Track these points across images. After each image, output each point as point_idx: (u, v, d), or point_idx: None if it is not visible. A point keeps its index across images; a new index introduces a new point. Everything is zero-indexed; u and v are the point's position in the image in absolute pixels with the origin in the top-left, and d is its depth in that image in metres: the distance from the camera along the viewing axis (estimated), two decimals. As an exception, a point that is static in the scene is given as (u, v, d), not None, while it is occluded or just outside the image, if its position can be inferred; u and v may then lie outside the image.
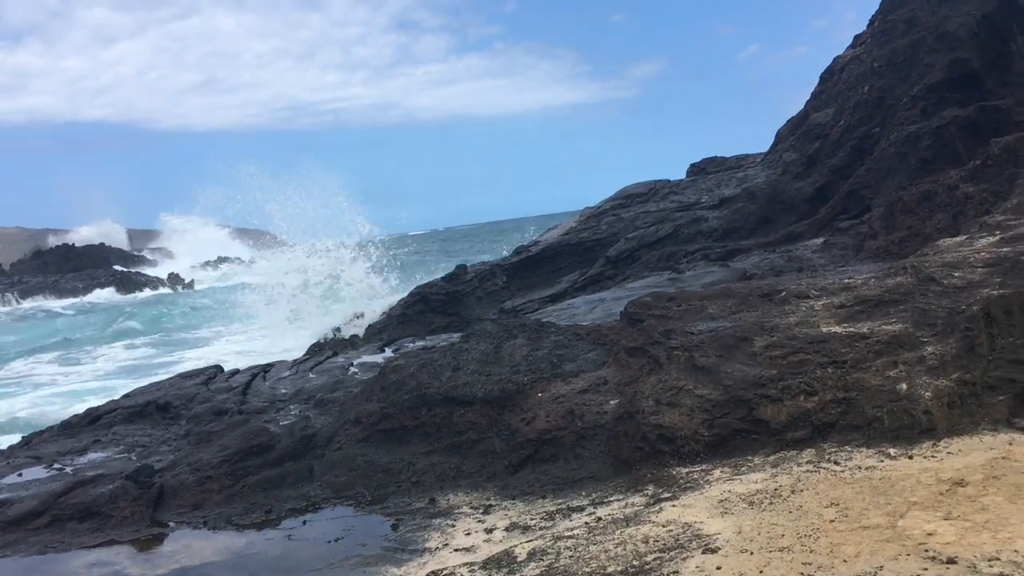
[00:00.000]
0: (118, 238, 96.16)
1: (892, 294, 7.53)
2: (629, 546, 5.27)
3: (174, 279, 67.82)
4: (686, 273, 14.03)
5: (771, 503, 5.55)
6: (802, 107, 21.49)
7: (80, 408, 12.87)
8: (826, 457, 6.20)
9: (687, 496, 6.02)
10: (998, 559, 4.25)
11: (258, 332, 30.82)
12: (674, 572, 4.72)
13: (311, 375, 11.27)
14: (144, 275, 70.25)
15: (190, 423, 10.09)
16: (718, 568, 4.66)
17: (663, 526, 5.52)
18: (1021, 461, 5.55)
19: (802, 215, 17.74)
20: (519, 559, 5.40)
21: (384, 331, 19.28)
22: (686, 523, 5.49)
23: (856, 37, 20.57)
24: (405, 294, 21.19)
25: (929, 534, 4.68)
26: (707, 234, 18.76)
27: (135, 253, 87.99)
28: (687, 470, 6.58)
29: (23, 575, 6.86)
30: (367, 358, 11.89)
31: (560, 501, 6.60)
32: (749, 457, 6.58)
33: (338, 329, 20.94)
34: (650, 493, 6.31)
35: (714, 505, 5.72)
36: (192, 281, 67.83)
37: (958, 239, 8.82)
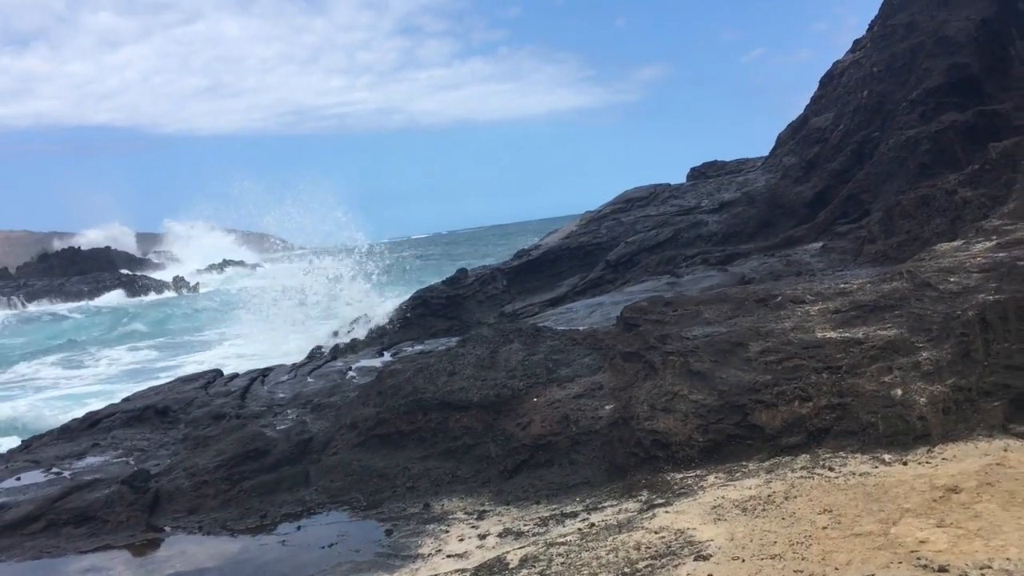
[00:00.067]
0: (126, 241, 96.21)
1: (888, 299, 7.52)
2: (621, 553, 5.26)
3: (179, 282, 67.81)
4: (685, 277, 14.02)
5: (764, 509, 5.54)
6: (802, 111, 21.48)
7: (81, 411, 12.89)
8: (820, 463, 6.19)
9: (681, 502, 6.01)
10: (990, 567, 4.24)
11: (261, 335, 30.84)
12: (665, 579, 4.71)
13: (309, 379, 11.28)
14: (149, 278, 70.23)
15: (188, 427, 10.10)
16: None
17: (656, 532, 5.50)
18: (1016, 467, 5.53)
19: (802, 219, 17.71)
20: (511, 566, 5.39)
21: (385, 335, 19.30)
22: (679, 529, 5.48)
23: (856, 42, 20.55)
24: (407, 297, 21.20)
25: (921, 542, 4.67)
26: (707, 238, 18.74)
27: (141, 257, 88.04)
28: (681, 476, 6.57)
29: (17, 581, 6.87)
30: (365, 362, 11.89)
31: (554, 507, 6.59)
32: (744, 463, 6.57)
33: (339, 333, 20.92)
34: (644, 499, 6.29)
35: (707, 511, 5.71)
36: (197, 284, 67.81)
37: (955, 244, 8.81)
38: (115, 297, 59.91)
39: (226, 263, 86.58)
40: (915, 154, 15.13)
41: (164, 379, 15.52)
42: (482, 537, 6.21)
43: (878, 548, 4.66)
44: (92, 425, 11.03)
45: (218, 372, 12.81)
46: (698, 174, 23.71)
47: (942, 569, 4.29)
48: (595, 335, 9.19)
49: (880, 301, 7.52)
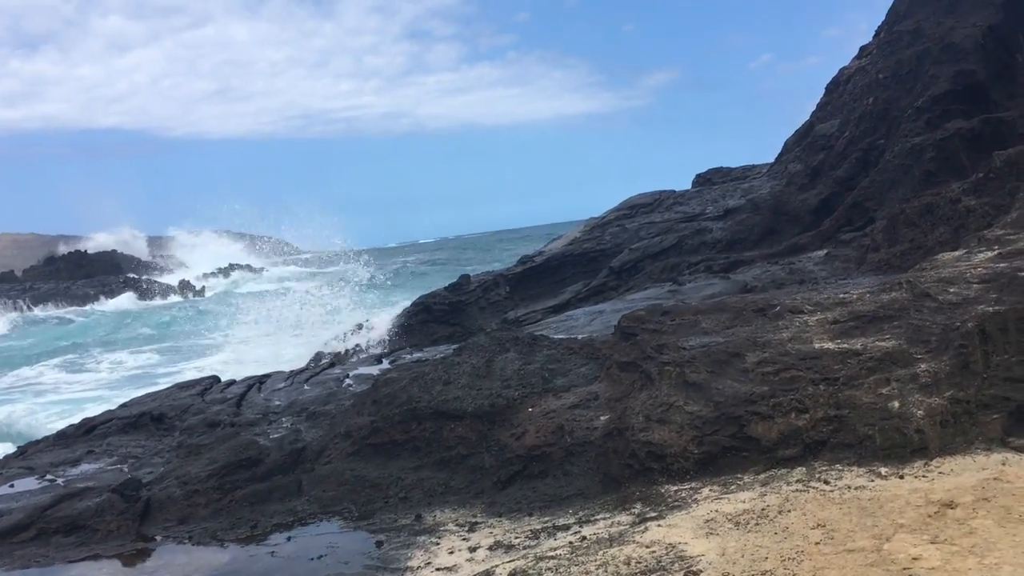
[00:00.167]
0: (138, 245, 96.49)
1: (886, 310, 7.42)
2: (611, 568, 5.18)
3: (185, 286, 67.89)
4: (687, 285, 13.93)
5: (757, 524, 5.45)
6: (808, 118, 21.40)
7: (79, 417, 12.88)
8: (816, 476, 6.10)
9: (674, 515, 5.93)
10: (982, 586, 4.16)
11: (263, 341, 30.86)
12: (653, 596, 4.63)
13: (306, 387, 11.22)
14: (156, 282, 70.37)
15: (183, 435, 10.05)
16: (697, 592, 4.58)
17: (647, 547, 5.42)
18: (1013, 483, 5.44)
19: (806, 226, 17.62)
20: (498, 581, 5.32)
21: (387, 341, 19.26)
22: (670, 544, 5.40)
23: (862, 48, 20.46)
24: (409, 304, 21.16)
25: (914, 558, 4.59)
26: (711, 245, 18.66)
27: (147, 260, 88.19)
28: (676, 488, 6.48)
29: (3, 590, 6.82)
30: (363, 370, 11.82)
31: (546, 519, 6.51)
32: (739, 475, 6.48)
33: (339, 339, 20.88)
34: (637, 512, 6.21)
35: (700, 525, 5.63)
36: (203, 288, 67.89)
37: (956, 253, 8.72)
38: (121, 301, 59.98)
39: (232, 267, 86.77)
40: (920, 162, 15.03)
41: (165, 384, 15.48)
42: (472, 550, 6.13)
43: (870, 565, 4.58)
44: (88, 431, 10.99)
45: (215, 379, 12.77)
46: (703, 180, 23.63)
47: (934, 587, 4.21)
48: (592, 344, 9.11)
49: (879, 312, 7.43)
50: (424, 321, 19.43)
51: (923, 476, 5.79)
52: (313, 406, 10.09)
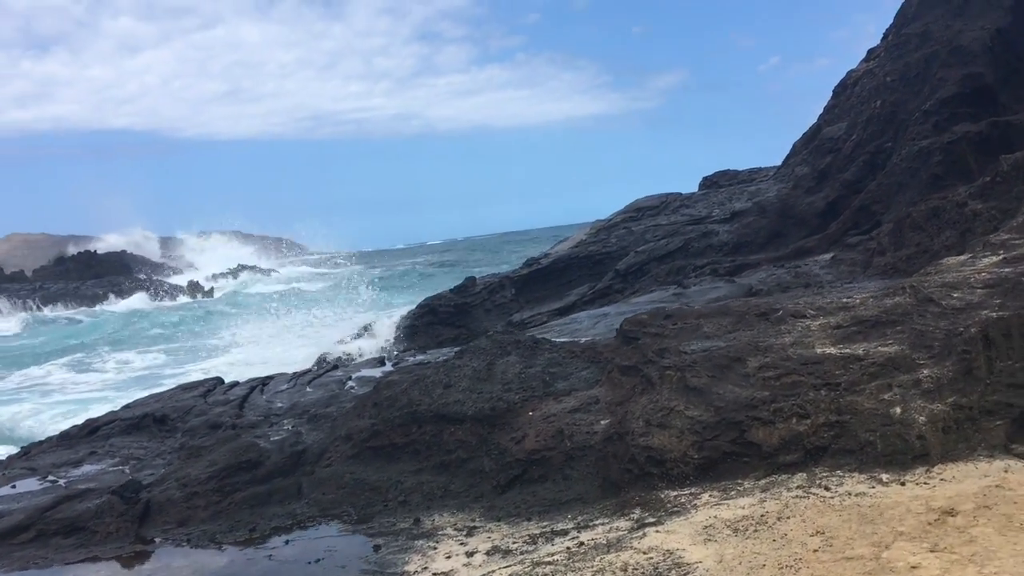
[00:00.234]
0: (150, 247, 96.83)
1: (890, 315, 7.37)
2: (607, 574, 5.14)
3: (194, 287, 68.03)
4: (691, 288, 13.88)
5: (756, 530, 5.41)
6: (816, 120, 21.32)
7: (84, 417, 12.89)
8: (817, 482, 6.05)
9: (672, 521, 5.88)
10: (981, 595, 4.11)
11: (269, 342, 30.89)
12: (648, 603, 4.59)
13: (308, 389, 11.21)
14: (165, 283, 70.55)
15: (185, 436, 10.05)
16: (692, 600, 4.54)
17: (644, 553, 5.38)
18: (1015, 490, 5.38)
19: (813, 230, 17.54)
20: (494, 586, 5.29)
21: (392, 343, 19.25)
22: (668, 550, 5.36)
23: (870, 51, 20.38)
24: (415, 306, 21.14)
25: (913, 567, 4.54)
26: (717, 248, 18.59)
27: (157, 261, 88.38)
28: (675, 493, 6.44)
29: (0, 591, 6.82)
30: (366, 372, 11.81)
31: (545, 524, 6.48)
32: (739, 481, 6.44)
33: (345, 341, 20.85)
34: (636, 517, 6.17)
35: (698, 531, 5.59)
36: (212, 289, 68.00)
37: (961, 258, 8.65)
38: (137, 301, 60.12)
39: (241, 268, 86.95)
40: (928, 165, 14.94)
41: (171, 385, 15.48)
42: (469, 555, 6.10)
43: (868, 573, 4.54)
44: (91, 432, 11.00)
45: (218, 380, 12.77)
46: (710, 183, 23.56)
47: (932, 597, 4.16)
48: (594, 348, 9.07)
49: (882, 316, 7.38)
50: (429, 323, 19.40)
51: (924, 483, 5.73)
52: (315, 408, 10.07)
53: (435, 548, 6.36)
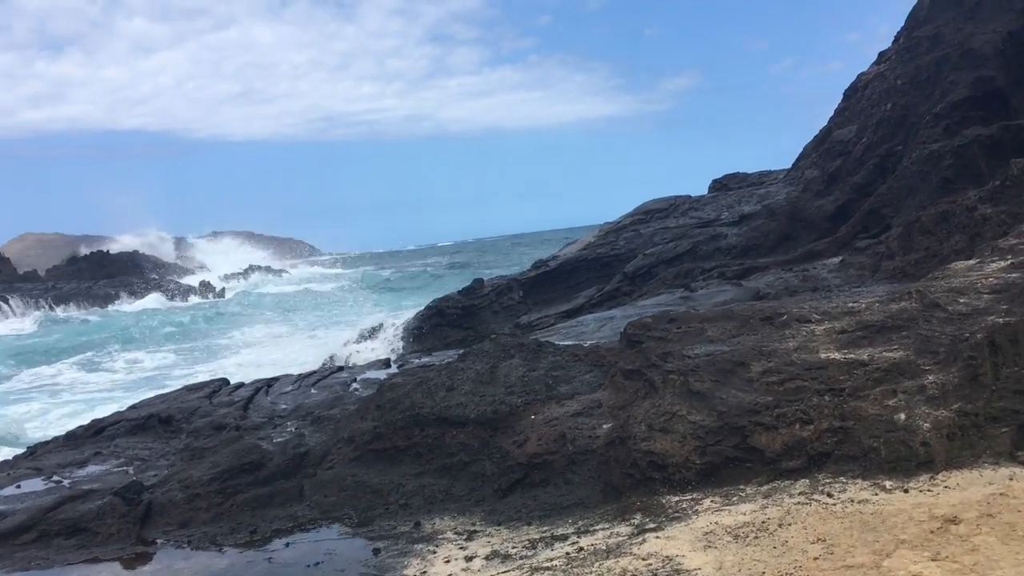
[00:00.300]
0: (165, 248, 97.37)
1: (895, 320, 7.31)
2: (605, 580, 5.11)
3: (205, 288, 68.31)
4: (699, 292, 13.82)
5: (756, 537, 5.37)
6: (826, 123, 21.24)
7: (92, 417, 12.91)
8: (819, 489, 6.00)
9: (673, 527, 5.84)
10: (981, 605, 4.06)
11: (278, 342, 31.02)
12: (644, 611, 4.56)
13: (312, 391, 11.20)
14: (176, 283, 70.85)
15: (189, 437, 10.05)
16: (689, 607, 4.50)
17: (643, 559, 5.35)
18: (1019, 498, 5.33)
19: (822, 233, 17.48)
20: (492, 591, 5.26)
21: (401, 344, 19.28)
22: (667, 556, 5.32)
23: (881, 54, 20.30)
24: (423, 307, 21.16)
25: (913, 576, 4.50)
26: (726, 251, 18.53)
27: (169, 261, 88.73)
28: (677, 499, 6.40)
29: (0, 592, 6.82)
30: (371, 374, 11.79)
31: (545, 529, 6.44)
32: (741, 487, 6.39)
33: (352, 342, 20.90)
34: (637, 522, 6.13)
35: (698, 538, 5.54)
36: (223, 290, 68.31)
37: (969, 263, 8.58)
38: (152, 301, 60.38)
39: (252, 268, 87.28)
40: (938, 168, 14.86)
41: (180, 385, 15.51)
42: (468, 560, 6.07)
43: (868, 582, 4.49)
44: (97, 433, 11.01)
45: (224, 381, 12.78)
46: (720, 186, 23.52)
47: (932, 607, 4.12)
48: (598, 351, 9.03)
49: (887, 321, 7.32)
50: (437, 325, 19.43)
51: (928, 490, 5.68)
52: (318, 410, 10.06)
53: (434, 552, 6.33)
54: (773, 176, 22.39)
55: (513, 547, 6.16)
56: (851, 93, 20.62)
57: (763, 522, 5.57)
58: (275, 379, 12.56)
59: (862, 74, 20.64)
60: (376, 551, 6.52)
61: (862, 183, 17.61)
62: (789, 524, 5.47)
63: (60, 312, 58.01)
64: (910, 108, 17.30)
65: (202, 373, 24.39)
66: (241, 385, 12.38)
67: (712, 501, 6.21)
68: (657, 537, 5.69)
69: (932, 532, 5.00)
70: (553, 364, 8.73)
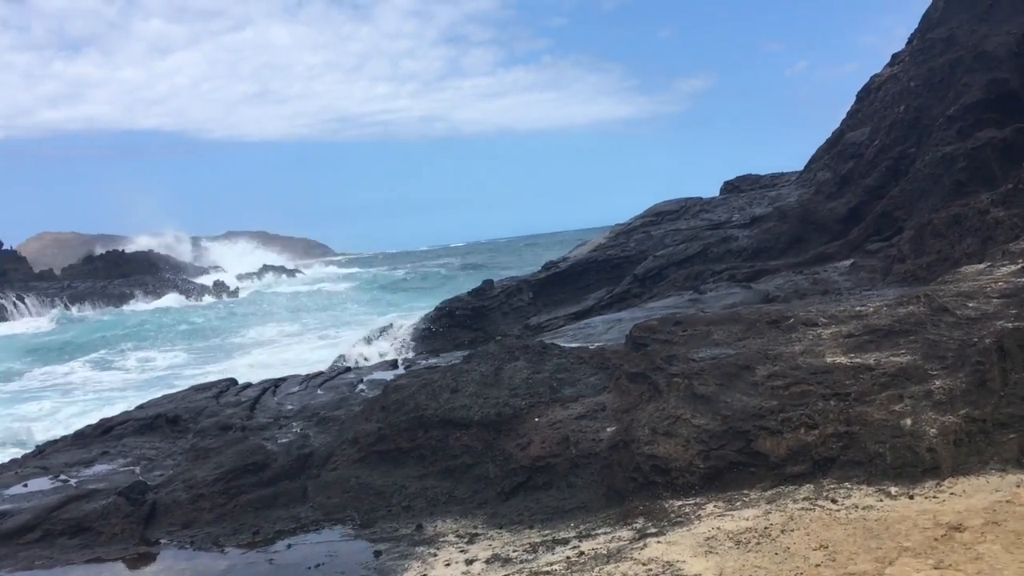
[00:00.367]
0: (182, 248, 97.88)
1: (903, 324, 7.23)
2: (605, 585, 5.07)
3: (219, 287, 68.57)
4: (708, 294, 13.75)
5: (758, 543, 5.31)
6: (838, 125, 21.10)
7: (102, 415, 12.93)
8: (824, 494, 5.94)
9: (674, 532, 5.79)
10: (983, 615, 4.00)
11: (291, 341, 31.08)
12: (642, 617, 4.51)
13: (319, 391, 11.19)
14: (191, 283, 71.14)
15: (196, 437, 10.06)
16: (688, 614, 4.45)
17: (643, 564, 5.30)
18: (1026, 506, 5.25)
19: (834, 236, 17.35)
20: (491, 595, 5.23)
21: (411, 345, 19.27)
22: (668, 562, 5.27)
23: (894, 56, 20.15)
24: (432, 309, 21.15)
25: (915, 584, 4.44)
26: (736, 253, 18.44)
27: (183, 261, 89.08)
28: (680, 503, 6.35)
29: (2, 592, 6.83)
30: (377, 375, 11.77)
31: (547, 532, 6.40)
32: (745, 491, 6.33)
33: (366, 341, 20.90)
34: (638, 527, 6.08)
35: (700, 543, 5.49)
36: (237, 289, 68.57)
37: (979, 267, 8.49)
38: (169, 300, 60.63)
39: (266, 268, 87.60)
40: (951, 171, 14.72)
41: (190, 385, 15.53)
42: (469, 563, 6.04)
43: (869, 590, 4.44)
44: (105, 432, 11.03)
45: (232, 381, 12.79)
46: (731, 188, 23.42)
47: (933, 616, 4.06)
48: (603, 353, 8.99)
49: (895, 326, 7.24)
50: (447, 326, 19.41)
51: (934, 497, 5.60)
52: (324, 411, 10.05)
53: (435, 555, 6.31)
54: (785, 178, 22.28)
55: (514, 551, 6.13)
56: (864, 95, 20.48)
57: (765, 528, 5.52)
58: (282, 379, 12.56)
59: (875, 76, 20.49)
60: (377, 553, 6.50)
61: (874, 185, 17.48)
62: (792, 530, 5.41)
63: (75, 311, 58.31)
64: (923, 110, 17.16)
65: (213, 373, 24.46)
66: (249, 385, 12.39)
67: (715, 506, 6.16)
68: (658, 542, 5.64)
69: (936, 540, 4.93)
70: (558, 366, 8.69)
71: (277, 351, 30.17)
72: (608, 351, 9.11)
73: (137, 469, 9.60)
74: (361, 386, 11.13)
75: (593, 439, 7.27)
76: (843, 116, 21.28)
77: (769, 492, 6.23)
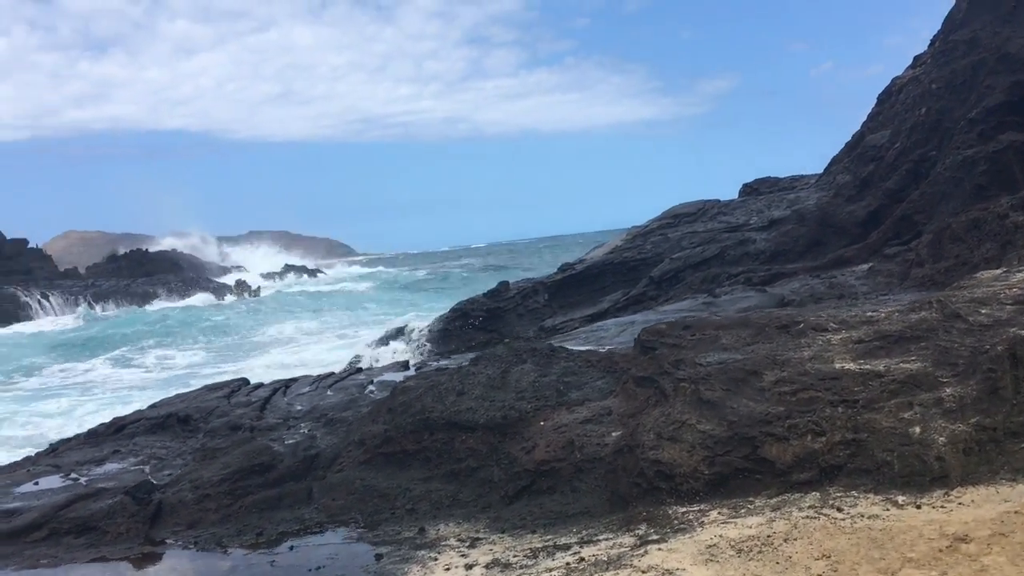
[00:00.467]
0: (208, 250, 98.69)
1: (914, 330, 7.12)
2: (603, 592, 5.01)
3: (241, 286, 69.00)
4: (722, 297, 13.63)
5: (760, 552, 5.24)
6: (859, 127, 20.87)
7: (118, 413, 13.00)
8: (830, 503, 5.85)
9: (676, 539, 5.72)
10: (985, 629, 3.91)
11: (309, 340, 31.18)
12: (637, 626, 4.45)
13: (329, 392, 11.18)
14: (214, 282, 71.64)
15: (206, 437, 10.08)
16: (683, 624, 4.39)
17: (643, 572, 5.24)
18: (1035, 517, 5.15)
19: (853, 239, 17.16)
20: (487, 601, 5.18)
21: (426, 346, 19.26)
22: (667, 570, 5.21)
23: (916, 58, 19.90)
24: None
25: (917, 595, 4.35)
26: (754, 256, 18.28)
27: (206, 260, 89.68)
28: (684, 510, 6.27)
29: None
30: (387, 376, 11.75)
31: (549, 537, 6.35)
32: (750, 498, 6.25)
33: (383, 342, 20.90)
34: (641, 533, 6.02)
35: (701, 551, 5.42)
36: (259, 289, 68.99)
37: (995, 272, 8.35)
38: (197, 300, 61.06)
39: (288, 268, 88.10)
40: (972, 175, 14.54)
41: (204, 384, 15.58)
42: (468, 568, 5.99)
43: (869, 601, 4.35)
44: (118, 431, 11.08)
45: (244, 381, 12.81)
46: (750, 190, 23.25)
47: (933, 630, 3.97)
48: (611, 357, 8.91)
49: (906, 332, 7.13)
50: (462, 327, 19.38)
51: (941, 507, 5.51)
52: (332, 412, 10.03)
53: (436, 559, 6.26)
54: (804, 181, 22.07)
55: (514, 556, 6.08)
56: (885, 97, 20.24)
57: (768, 536, 5.44)
58: (294, 380, 12.58)
59: (896, 78, 20.26)
60: (378, 556, 6.46)
61: (895, 189, 17.27)
62: (795, 539, 5.34)
63: (99, 310, 58.82)
64: (945, 113, 16.95)
65: (230, 372, 24.58)
66: (260, 385, 12.41)
67: (719, 513, 6.08)
68: (659, 549, 5.58)
69: (941, 551, 4.84)
70: (565, 370, 8.63)
71: (295, 350, 30.29)
72: (617, 355, 9.03)
73: (147, 468, 9.63)
74: (371, 387, 11.12)
75: (598, 444, 7.21)
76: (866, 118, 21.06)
77: (774, 500, 6.14)
